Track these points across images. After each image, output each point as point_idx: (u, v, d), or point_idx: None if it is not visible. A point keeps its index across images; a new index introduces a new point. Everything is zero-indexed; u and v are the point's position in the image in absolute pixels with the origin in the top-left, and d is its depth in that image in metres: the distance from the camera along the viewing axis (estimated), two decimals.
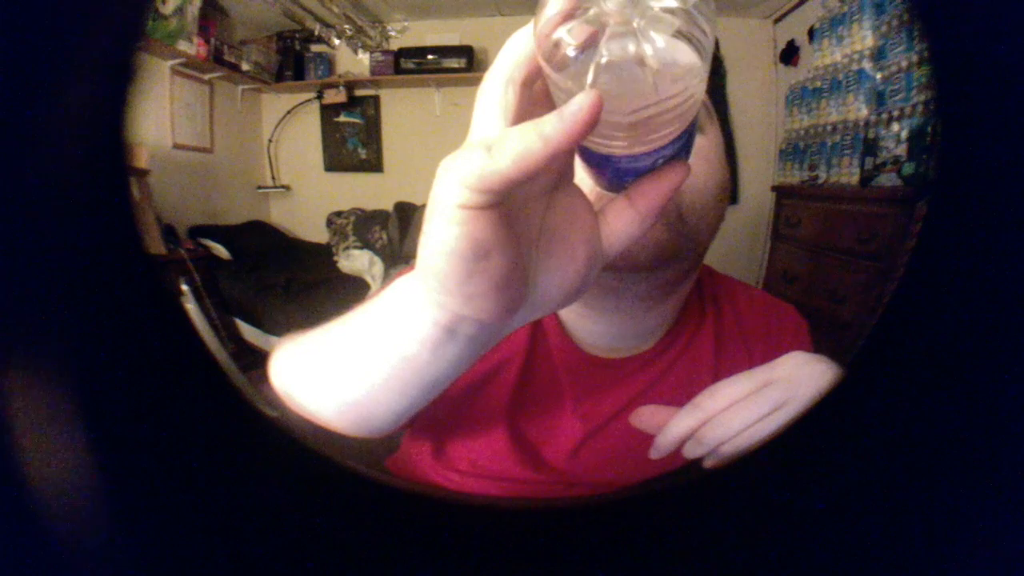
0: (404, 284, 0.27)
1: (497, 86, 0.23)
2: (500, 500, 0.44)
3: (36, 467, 0.21)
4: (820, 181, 1.80)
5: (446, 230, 0.21)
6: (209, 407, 0.27)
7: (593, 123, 0.19)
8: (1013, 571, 0.22)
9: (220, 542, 0.24)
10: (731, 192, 0.49)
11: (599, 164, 0.24)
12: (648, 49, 0.19)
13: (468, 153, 0.20)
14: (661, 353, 0.47)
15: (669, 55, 0.19)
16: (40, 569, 0.21)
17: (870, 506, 0.24)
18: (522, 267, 0.24)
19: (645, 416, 0.37)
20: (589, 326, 0.46)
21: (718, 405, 0.34)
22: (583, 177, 0.26)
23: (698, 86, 0.21)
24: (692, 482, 0.35)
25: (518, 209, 0.23)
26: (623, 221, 0.25)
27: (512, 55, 0.23)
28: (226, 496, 0.25)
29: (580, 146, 0.23)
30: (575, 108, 0.19)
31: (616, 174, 0.24)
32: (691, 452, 0.35)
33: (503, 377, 0.45)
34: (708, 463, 0.35)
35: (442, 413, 0.45)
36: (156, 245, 1.68)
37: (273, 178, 2.58)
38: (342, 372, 0.32)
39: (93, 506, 0.22)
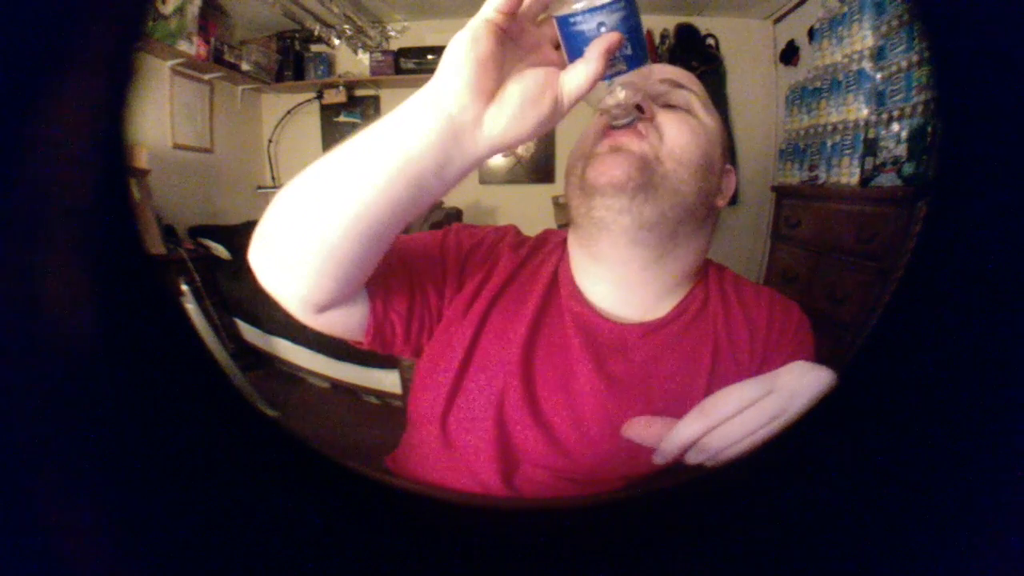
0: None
1: None
2: (500, 500, 0.44)
3: (36, 468, 0.21)
4: (820, 181, 1.80)
5: (467, 34, 0.34)
6: (209, 407, 0.27)
7: None
8: (1013, 571, 0.22)
9: (220, 542, 0.24)
10: (732, 193, 0.51)
11: (565, 33, 0.36)
12: None
13: None
14: (667, 323, 0.49)
15: None
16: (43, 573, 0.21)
17: (869, 505, 0.24)
18: (499, 66, 0.35)
19: (638, 427, 0.39)
20: (597, 286, 0.50)
21: (724, 412, 0.35)
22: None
23: None
24: (692, 482, 0.35)
25: (512, 53, 0.36)
26: (576, 68, 0.36)
27: None
28: (226, 496, 0.25)
29: (558, 20, 0.36)
30: None
31: (574, 40, 0.36)
32: (693, 459, 0.36)
33: (514, 332, 0.48)
34: (703, 462, 0.36)
35: (454, 377, 0.47)
36: (156, 245, 1.68)
37: (273, 178, 2.58)
38: (324, 173, 0.37)
39: (93, 506, 0.22)
